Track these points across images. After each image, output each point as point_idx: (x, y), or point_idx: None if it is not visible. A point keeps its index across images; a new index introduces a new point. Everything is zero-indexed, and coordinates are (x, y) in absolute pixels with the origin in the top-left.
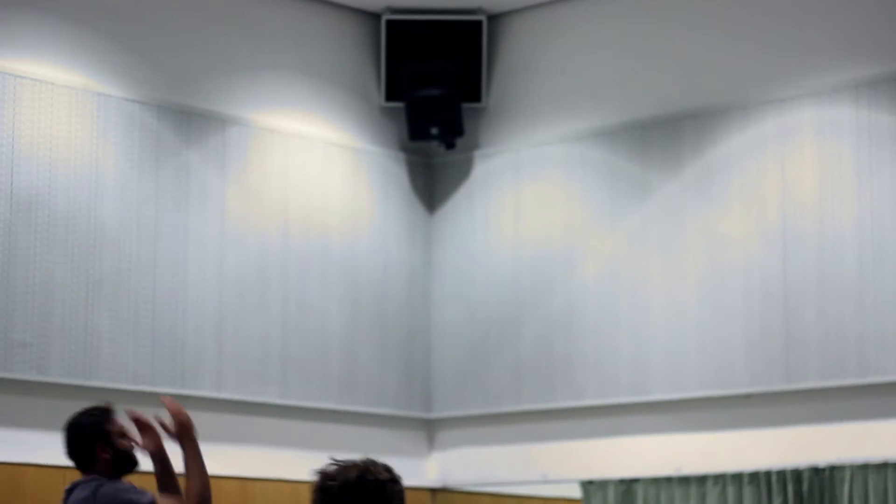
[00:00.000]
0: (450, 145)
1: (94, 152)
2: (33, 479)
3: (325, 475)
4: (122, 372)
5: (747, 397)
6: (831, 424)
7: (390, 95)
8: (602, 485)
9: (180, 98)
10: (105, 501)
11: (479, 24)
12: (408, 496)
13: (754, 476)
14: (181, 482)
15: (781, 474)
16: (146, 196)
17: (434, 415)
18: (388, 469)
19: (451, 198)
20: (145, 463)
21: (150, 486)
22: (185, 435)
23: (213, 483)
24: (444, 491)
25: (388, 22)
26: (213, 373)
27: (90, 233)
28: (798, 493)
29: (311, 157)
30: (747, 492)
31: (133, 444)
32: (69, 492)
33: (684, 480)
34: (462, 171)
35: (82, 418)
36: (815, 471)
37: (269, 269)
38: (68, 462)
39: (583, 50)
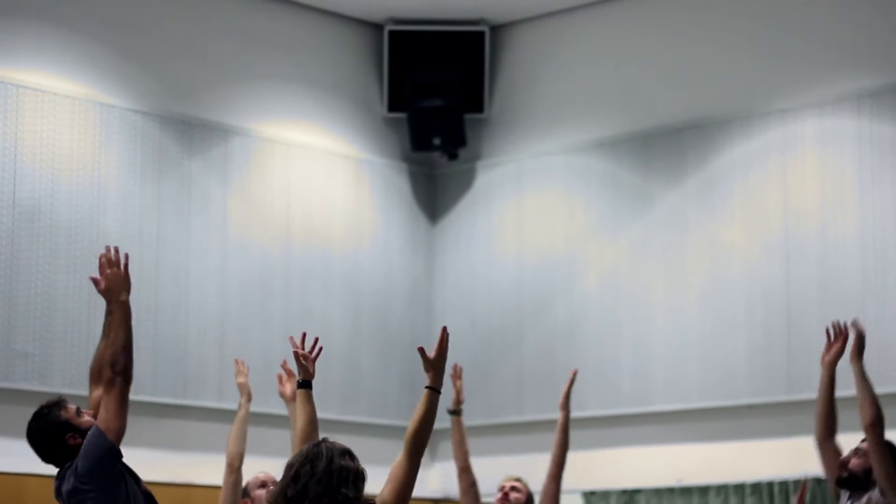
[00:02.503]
0: (452, 156)
1: (97, 162)
2: (35, 490)
3: None
4: None
5: (749, 408)
6: None
7: (393, 106)
8: (604, 495)
9: (183, 108)
10: (86, 473)
11: (481, 34)
12: None
13: (756, 487)
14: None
15: (784, 485)
16: (148, 206)
17: (436, 426)
18: None
19: (453, 208)
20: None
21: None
22: (114, 295)
23: (215, 492)
24: (445, 501)
25: (391, 33)
26: (215, 383)
27: (92, 243)
28: None
29: (314, 168)
30: (749, 502)
31: (92, 416)
32: (58, 487)
33: (686, 491)
34: (464, 182)
35: (38, 422)
36: (818, 481)
37: (271, 280)
38: None
39: (585, 61)
